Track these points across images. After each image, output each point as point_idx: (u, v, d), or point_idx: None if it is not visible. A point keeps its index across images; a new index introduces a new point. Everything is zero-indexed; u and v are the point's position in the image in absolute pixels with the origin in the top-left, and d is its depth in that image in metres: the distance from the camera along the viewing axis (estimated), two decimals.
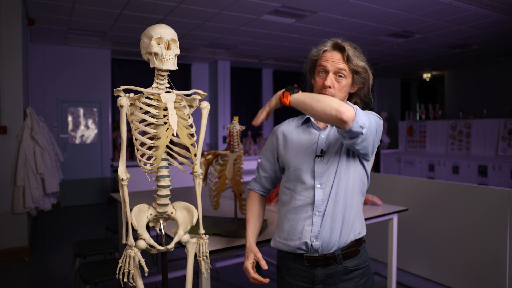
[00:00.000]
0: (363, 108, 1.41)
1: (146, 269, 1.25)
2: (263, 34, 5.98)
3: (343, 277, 1.32)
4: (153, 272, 3.23)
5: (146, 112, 1.28)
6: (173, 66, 1.26)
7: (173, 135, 1.27)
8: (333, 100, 1.17)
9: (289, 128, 1.46)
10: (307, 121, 1.43)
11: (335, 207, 1.30)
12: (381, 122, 1.33)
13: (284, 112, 10.45)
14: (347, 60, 1.32)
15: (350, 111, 1.14)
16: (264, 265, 1.35)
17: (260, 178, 1.54)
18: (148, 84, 1.33)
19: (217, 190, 1.97)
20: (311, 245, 1.30)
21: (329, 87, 1.31)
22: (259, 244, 1.73)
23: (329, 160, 1.32)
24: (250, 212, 1.52)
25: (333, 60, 1.33)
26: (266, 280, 1.33)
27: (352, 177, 1.33)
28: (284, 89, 1.29)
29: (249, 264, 1.37)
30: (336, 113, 1.14)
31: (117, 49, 6.90)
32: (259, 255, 1.38)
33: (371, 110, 1.40)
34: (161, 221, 1.38)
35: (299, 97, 1.24)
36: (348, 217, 1.32)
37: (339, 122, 1.15)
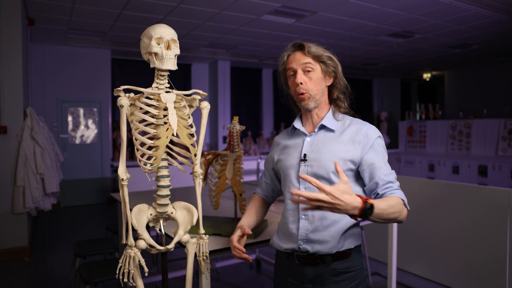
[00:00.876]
0: (349, 104, 1.42)
1: (146, 269, 1.25)
2: (263, 34, 5.98)
3: (332, 279, 1.31)
4: (153, 272, 3.23)
5: (146, 112, 1.28)
6: (173, 66, 1.27)
7: (173, 135, 1.27)
8: (401, 213, 1.20)
9: (283, 135, 1.50)
10: (296, 127, 1.43)
11: (321, 213, 1.29)
12: (383, 142, 1.37)
13: (283, 113, 10.31)
14: (308, 53, 1.33)
15: (405, 213, 1.23)
16: (248, 231, 1.40)
17: (262, 183, 1.61)
18: (148, 84, 1.33)
19: (217, 190, 1.97)
20: (299, 248, 1.32)
21: (301, 83, 1.33)
22: (259, 244, 1.73)
23: (314, 164, 1.31)
24: (248, 207, 1.57)
25: (296, 59, 1.35)
26: (249, 258, 1.38)
27: None
28: (360, 211, 1.07)
29: (234, 237, 1.41)
30: (400, 221, 1.23)
31: (117, 49, 6.90)
32: (245, 227, 1.43)
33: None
34: (161, 221, 1.38)
35: (375, 219, 1.14)
36: (337, 226, 1.30)
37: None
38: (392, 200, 1.18)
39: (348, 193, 1.05)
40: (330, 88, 1.40)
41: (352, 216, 1.08)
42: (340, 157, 1.29)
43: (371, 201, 1.09)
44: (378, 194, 1.26)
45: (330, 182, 1.29)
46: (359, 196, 1.08)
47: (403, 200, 1.22)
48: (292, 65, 1.35)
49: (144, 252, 1.32)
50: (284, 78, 1.42)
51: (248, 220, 1.50)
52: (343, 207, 1.04)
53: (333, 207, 1.04)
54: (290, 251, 1.35)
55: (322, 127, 1.37)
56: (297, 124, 1.42)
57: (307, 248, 1.30)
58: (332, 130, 1.35)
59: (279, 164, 1.44)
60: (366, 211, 1.07)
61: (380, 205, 1.11)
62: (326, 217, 1.29)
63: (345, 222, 1.31)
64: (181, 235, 1.35)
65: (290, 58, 1.37)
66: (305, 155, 1.34)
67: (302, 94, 1.33)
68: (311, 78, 1.33)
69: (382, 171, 1.27)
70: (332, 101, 1.41)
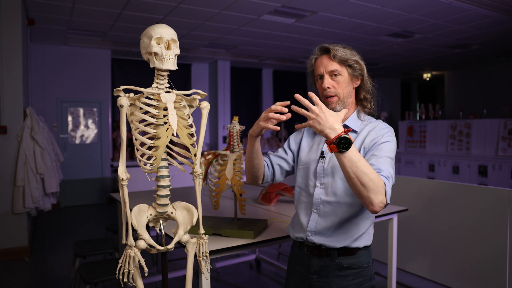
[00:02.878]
0: (376, 104, 1.42)
1: (146, 269, 1.25)
2: (263, 34, 5.98)
3: (336, 273, 1.34)
4: (153, 272, 3.23)
5: (146, 112, 1.28)
6: (173, 66, 1.26)
7: (173, 135, 1.27)
8: (375, 187, 1.10)
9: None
10: None
11: (332, 209, 1.33)
12: (395, 145, 1.33)
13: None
14: (334, 57, 1.35)
15: (381, 206, 1.12)
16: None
17: (271, 155, 1.57)
18: (148, 84, 1.32)
19: (217, 190, 1.97)
20: (307, 238, 1.37)
21: (328, 87, 1.35)
22: (259, 244, 1.73)
23: (330, 162, 1.35)
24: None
25: (323, 64, 1.37)
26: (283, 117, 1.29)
27: None
28: (337, 136, 1.09)
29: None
30: (367, 202, 1.12)
31: (117, 49, 6.90)
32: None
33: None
34: (161, 221, 1.38)
35: (346, 162, 1.10)
36: (347, 223, 1.32)
37: (365, 205, 1.14)
38: (373, 171, 1.12)
39: (333, 116, 1.12)
40: (357, 89, 1.42)
41: (326, 141, 1.10)
42: None
43: (352, 139, 1.11)
44: None
45: (345, 179, 1.29)
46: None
47: (384, 184, 1.14)
48: (319, 70, 1.37)
49: (144, 252, 1.32)
50: (313, 79, 1.44)
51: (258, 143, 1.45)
52: (323, 122, 1.10)
53: (316, 119, 1.11)
54: (300, 240, 1.41)
55: (344, 126, 1.36)
56: None
57: (314, 240, 1.35)
58: (353, 131, 1.37)
59: (300, 154, 1.48)
60: (341, 141, 1.08)
61: (357, 154, 1.10)
62: (338, 216, 1.32)
63: (357, 224, 1.33)
64: (181, 235, 1.35)
65: (317, 62, 1.39)
66: (323, 152, 1.39)
67: (331, 97, 1.35)
68: (339, 81, 1.35)
69: (379, 161, 1.23)
70: (359, 101, 1.43)
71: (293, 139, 1.56)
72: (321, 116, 1.11)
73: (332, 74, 1.35)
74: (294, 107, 1.16)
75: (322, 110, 1.11)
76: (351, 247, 1.33)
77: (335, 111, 1.36)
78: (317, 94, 1.43)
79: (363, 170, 1.09)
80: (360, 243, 1.34)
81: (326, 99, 1.37)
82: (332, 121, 1.11)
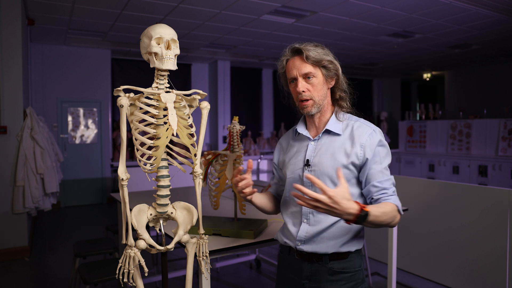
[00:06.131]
0: (351, 102, 1.39)
1: (146, 269, 1.25)
2: (263, 34, 5.98)
3: (328, 277, 1.31)
4: (153, 272, 3.23)
5: (146, 112, 1.28)
6: (173, 66, 1.27)
7: (173, 135, 1.27)
8: (394, 219, 1.23)
9: (288, 137, 1.49)
10: (299, 132, 1.41)
11: (322, 217, 1.29)
12: (387, 145, 1.33)
13: (283, 113, 10.28)
14: (307, 59, 1.29)
15: (398, 219, 1.25)
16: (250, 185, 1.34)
17: (272, 184, 1.58)
18: (148, 84, 1.33)
19: (217, 190, 1.97)
20: (296, 248, 1.33)
21: (303, 91, 1.30)
22: (259, 244, 1.73)
23: (317, 170, 1.31)
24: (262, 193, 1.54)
25: (295, 66, 1.31)
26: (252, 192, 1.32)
27: None
28: (357, 217, 1.10)
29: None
30: (392, 226, 1.27)
31: (117, 49, 6.90)
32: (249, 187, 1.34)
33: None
34: (161, 221, 1.38)
35: (369, 224, 1.17)
36: (338, 229, 1.30)
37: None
38: (387, 207, 1.21)
39: (347, 199, 1.08)
40: (333, 89, 1.37)
41: (346, 220, 1.12)
42: (342, 163, 1.28)
43: (367, 208, 1.12)
44: (373, 198, 1.28)
45: (330, 187, 1.27)
46: (356, 202, 1.11)
47: (397, 207, 1.24)
48: (292, 72, 1.32)
49: (144, 252, 1.32)
50: (285, 80, 1.39)
51: (259, 196, 1.45)
52: (339, 211, 1.08)
53: (330, 210, 1.08)
54: (289, 245, 1.37)
55: (326, 131, 1.34)
56: (300, 129, 1.40)
57: (304, 249, 1.31)
58: (336, 134, 1.33)
59: (284, 167, 1.43)
60: (360, 218, 1.11)
61: (374, 212, 1.15)
62: (327, 222, 1.29)
63: (346, 229, 1.30)
64: (181, 235, 1.35)
65: (289, 64, 1.33)
66: (307, 160, 1.34)
67: (306, 101, 1.31)
68: (313, 84, 1.30)
69: (379, 176, 1.27)
70: (335, 101, 1.38)
71: (276, 157, 1.54)
72: (335, 207, 1.07)
73: (306, 76, 1.30)
74: (298, 200, 1.10)
75: (334, 201, 1.06)
76: (342, 252, 1.30)
77: (310, 114, 1.33)
78: (291, 97, 1.40)
79: (381, 218, 1.17)
80: (351, 247, 1.31)
81: (301, 102, 1.32)
82: (346, 206, 1.08)
